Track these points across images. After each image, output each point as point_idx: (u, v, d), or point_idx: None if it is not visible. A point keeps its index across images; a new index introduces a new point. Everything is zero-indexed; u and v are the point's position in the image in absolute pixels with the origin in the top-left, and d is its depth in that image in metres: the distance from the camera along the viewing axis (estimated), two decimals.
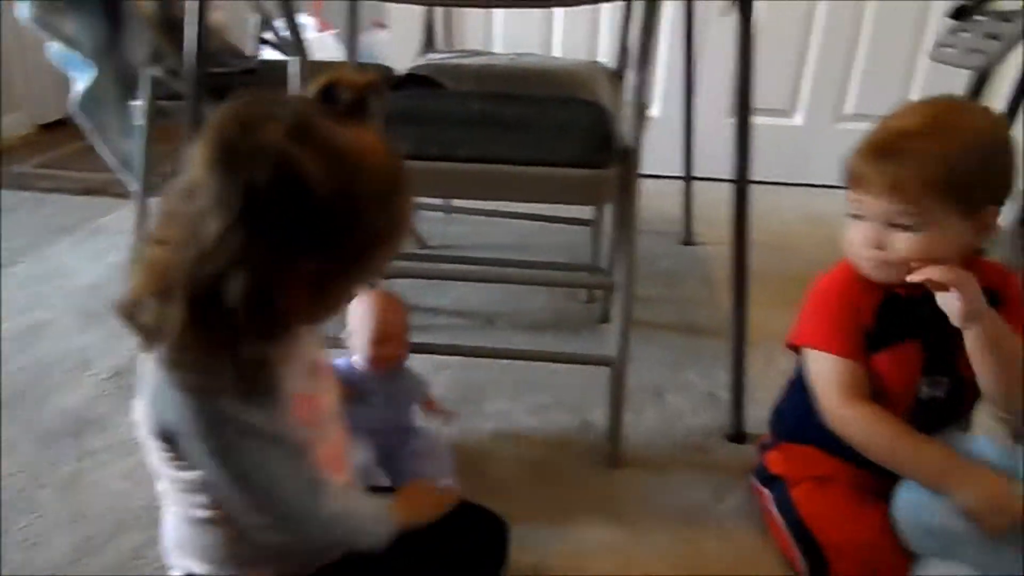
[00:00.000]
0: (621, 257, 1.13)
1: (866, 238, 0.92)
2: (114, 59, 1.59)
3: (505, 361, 1.43)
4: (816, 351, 0.97)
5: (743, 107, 1.13)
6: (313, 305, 0.66)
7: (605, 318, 1.60)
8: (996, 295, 0.95)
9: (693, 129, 1.98)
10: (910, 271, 0.89)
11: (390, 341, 1.05)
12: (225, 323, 0.60)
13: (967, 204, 0.87)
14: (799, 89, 2.50)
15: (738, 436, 1.25)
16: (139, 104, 1.53)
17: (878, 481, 0.96)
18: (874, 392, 0.95)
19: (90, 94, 1.59)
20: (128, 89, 1.55)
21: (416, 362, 1.40)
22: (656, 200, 2.37)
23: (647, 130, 1.10)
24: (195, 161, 0.60)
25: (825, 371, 0.95)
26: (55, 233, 2.00)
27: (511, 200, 1.16)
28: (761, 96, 2.59)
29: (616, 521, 1.07)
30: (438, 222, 2.11)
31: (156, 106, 1.49)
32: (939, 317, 0.91)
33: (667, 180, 2.18)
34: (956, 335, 0.92)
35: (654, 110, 2.57)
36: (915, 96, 2.41)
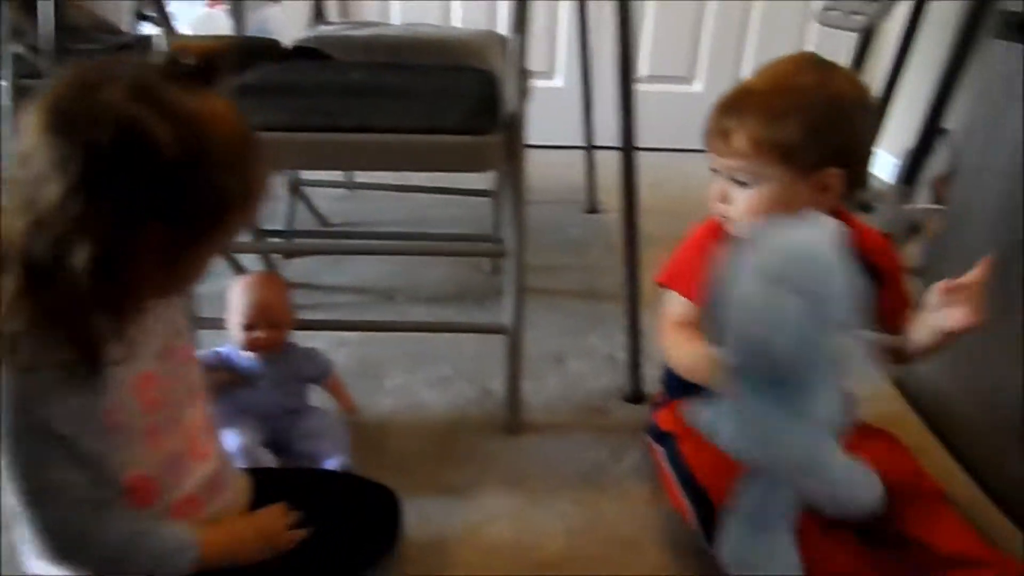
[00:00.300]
0: (512, 224, 1.12)
1: (716, 193, 0.95)
2: None
3: (405, 335, 1.42)
4: (668, 290, 1.01)
5: (625, 75, 1.13)
6: (162, 276, 0.63)
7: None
8: (876, 269, 0.97)
9: (592, 98, 1.99)
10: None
11: (267, 325, 1.03)
12: (65, 295, 0.57)
13: (797, 164, 0.88)
14: (697, 56, 2.54)
15: (636, 397, 1.27)
16: (1, 83, 1.43)
17: None
18: None
19: None
20: None
21: (316, 340, 1.38)
22: (562, 170, 2.38)
23: (532, 96, 1.09)
24: (30, 125, 0.57)
25: (669, 309, 1.01)
26: None
27: (396, 170, 1.14)
28: (661, 64, 2.63)
29: (517, 487, 1.07)
30: (340, 200, 2.07)
31: (19, 85, 1.40)
32: None
33: (572, 150, 2.19)
34: None
35: (558, 81, 2.58)
36: None
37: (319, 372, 1.12)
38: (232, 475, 0.80)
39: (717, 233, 0.99)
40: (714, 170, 0.96)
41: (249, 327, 1.01)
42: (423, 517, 1.00)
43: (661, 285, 1.03)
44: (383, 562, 0.87)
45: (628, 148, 1.17)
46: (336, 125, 1.01)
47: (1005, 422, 1.05)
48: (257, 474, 0.85)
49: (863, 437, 0.98)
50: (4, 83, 1.41)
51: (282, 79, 1.21)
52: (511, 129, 1.08)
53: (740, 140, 0.89)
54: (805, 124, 0.87)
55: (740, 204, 0.93)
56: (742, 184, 0.92)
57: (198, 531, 0.69)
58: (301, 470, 0.99)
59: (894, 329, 0.98)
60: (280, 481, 0.88)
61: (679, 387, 1.09)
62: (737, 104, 0.91)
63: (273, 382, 1.05)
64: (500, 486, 1.07)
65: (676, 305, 1.00)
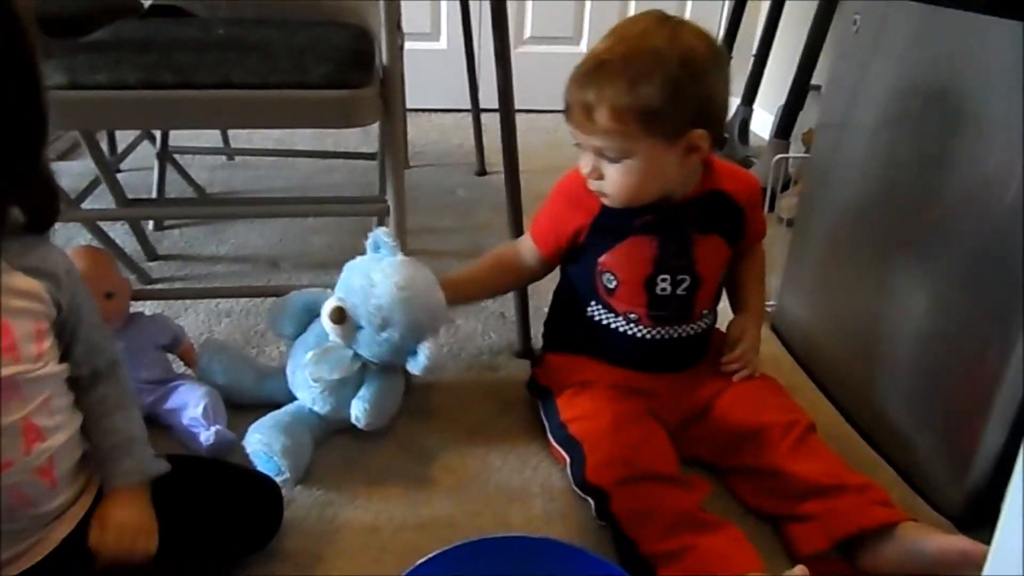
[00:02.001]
0: (391, 180, 1.10)
1: (587, 169, 0.94)
2: None
3: None
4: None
5: (500, 34, 1.13)
6: None
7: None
8: (736, 205, 1.01)
9: (477, 61, 1.97)
10: (635, 197, 0.94)
11: (99, 296, 0.98)
12: None
13: (663, 131, 0.88)
14: (583, 17, 2.55)
15: (526, 352, 1.28)
16: None
17: (636, 376, 1.02)
18: (613, 283, 1.00)
19: None
20: None
21: (197, 314, 1.33)
22: (451, 133, 2.37)
23: (402, 50, 1.07)
24: None
25: (522, 239, 1.10)
26: None
27: (262, 127, 1.10)
28: (548, 25, 2.63)
29: (406, 444, 1.06)
30: (218, 168, 1.99)
31: None
32: (675, 218, 0.96)
33: (461, 113, 2.18)
34: (690, 238, 0.98)
35: (442, 43, 2.55)
36: None
37: (173, 337, 1.09)
38: (63, 491, 0.72)
39: (570, 191, 1.02)
40: (578, 145, 0.94)
41: None
42: (315, 476, 0.99)
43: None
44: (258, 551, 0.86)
45: (507, 108, 1.16)
46: (190, 81, 0.96)
47: (864, 352, 1.11)
48: None
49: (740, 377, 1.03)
50: None
51: (135, 35, 1.14)
52: (385, 84, 1.06)
53: (603, 116, 0.88)
54: (665, 88, 0.85)
55: (614, 180, 0.92)
56: (612, 160, 0.91)
57: None
58: (176, 457, 0.91)
59: (747, 247, 1.09)
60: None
61: (558, 341, 1.12)
62: (593, 76, 0.88)
63: (127, 354, 1.00)
64: (390, 442, 1.06)
65: (526, 242, 1.09)
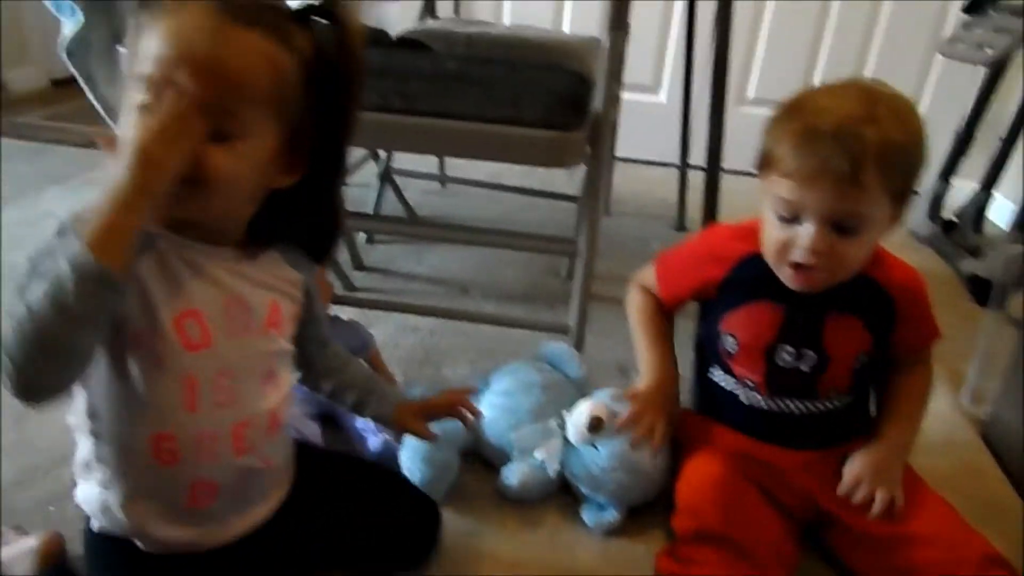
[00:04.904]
0: (585, 223, 1.11)
1: (814, 242, 0.82)
2: (103, 3, 1.58)
3: (473, 329, 1.42)
4: (652, 266, 1.06)
5: (717, 92, 1.11)
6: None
7: None
8: (885, 294, 0.92)
9: (691, 116, 1.95)
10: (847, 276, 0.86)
11: None
12: None
13: (903, 200, 0.84)
14: (809, 81, 2.46)
15: None
16: (126, 51, 1.52)
17: (757, 446, 0.96)
18: (734, 348, 0.95)
19: (77, 39, 1.58)
20: (117, 34, 1.55)
21: (387, 324, 1.41)
22: (656, 186, 2.35)
23: (621, 102, 1.08)
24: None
25: (643, 275, 1.07)
26: (49, 182, 2.01)
27: (474, 158, 1.15)
28: (769, 86, 2.55)
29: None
30: (431, 194, 2.11)
31: None
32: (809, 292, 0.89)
33: (669, 168, 2.16)
34: (822, 314, 0.90)
35: (661, 96, 2.55)
36: (931, 98, 2.37)
37: (361, 344, 1.15)
38: (273, 476, 0.79)
39: (727, 239, 0.97)
40: (789, 218, 0.84)
41: None
42: (465, 499, 1.01)
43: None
44: (415, 570, 0.88)
45: (714, 167, 1.14)
46: (414, 108, 1.02)
47: None
48: (305, 456, 0.85)
49: (918, 502, 0.91)
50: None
51: (377, 62, 1.24)
52: (595, 129, 1.07)
53: (872, 179, 0.79)
54: (916, 155, 0.82)
55: (846, 255, 0.84)
56: (849, 231, 0.82)
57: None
58: (348, 458, 0.97)
59: (899, 359, 0.97)
60: (325, 469, 0.89)
61: (691, 399, 1.09)
62: (849, 133, 0.79)
63: None
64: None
65: (648, 275, 1.06)
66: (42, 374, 0.58)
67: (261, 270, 0.73)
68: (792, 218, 0.84)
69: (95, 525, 0.74)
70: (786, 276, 0.88)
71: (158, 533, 0.72)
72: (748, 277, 0.93)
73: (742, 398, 0.97)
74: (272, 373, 0.74)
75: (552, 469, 0.99)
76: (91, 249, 0.55)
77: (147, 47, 0.61)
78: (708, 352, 1.00)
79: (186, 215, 0.65)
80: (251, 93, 0.62)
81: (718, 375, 0.99)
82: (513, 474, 1.00)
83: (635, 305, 1.07)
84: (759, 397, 0.96)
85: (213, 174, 0.61)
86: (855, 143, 0.78)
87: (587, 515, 0.99)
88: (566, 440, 1.01)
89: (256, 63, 0.62)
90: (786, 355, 0.92)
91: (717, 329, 0.97)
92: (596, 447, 0.98)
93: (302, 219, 0.74)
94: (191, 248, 0.67)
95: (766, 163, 0.86)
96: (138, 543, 0.73)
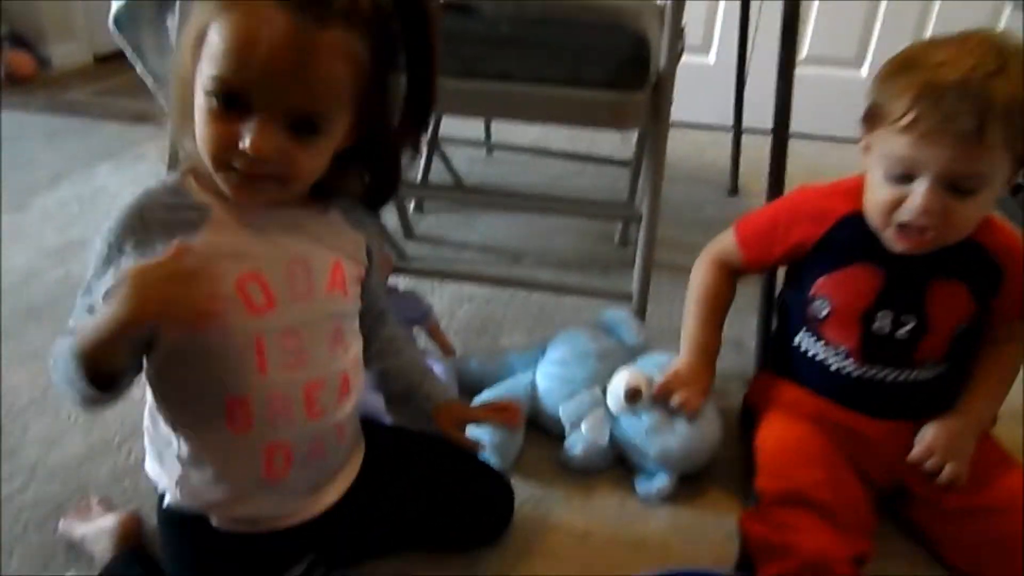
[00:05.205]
0: (648, 187, 1.08)
1: (927, 202, 0.78)
2: None
3: (528, 298, 1.40)
4: (733, 229, 1.01)
5: (787, 54, 1.06)
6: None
7: None
8: (993, 262, 0.87)
9: (747, 78, 1.89)
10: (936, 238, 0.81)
11: None
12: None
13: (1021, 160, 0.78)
14: (868, 39, 2.37)
15: None
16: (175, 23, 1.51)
17: (842, 412, 0.93)
18: (825, 311, 0.91)
19: (126, 11, 1.58)
20: (165, 6, 1.54)
21: (441, 294, 1.40)
22: (706, 150, 2.30)
23: (679, 61, 1.04)
24: None
25: (721, 240, 1.02)
26: (100, 158, 2.03)
27: (536, 121, 1.12)
28: (829, 45, 2.46)
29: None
30: (478, 162, 2.08)
31: None
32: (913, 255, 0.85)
33: (717, 131, 2.11)
34: (926, 279, 0.86)
35: (711, 58, 2.48)
36: None
37: (420, 314, 1.14)
38: (344, 450, 0.78)
39: (807, 202, 0.94)
40: (901, 176, 0.80)
41: None
42: (532, 470, 1.00)
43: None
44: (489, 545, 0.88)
45: (782, 130, 1.10)
46: (475, 71, 1.00)
47: None
48: (373, 432, 0.85)
49: (998, 473, 0.88)
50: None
51: None
52: (658, 89, 1.04)
53: (997, 137, 0.74)
54: None
55: (962, 217, 0.79)
56: (967, 192, 0.78)
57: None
58: (415, 434, 0.93)
59: (992, 331, 0.92)
60: (395, 445, 0.88)
61: (768, 361, 1.07)
62: (982, 90, 0.73)
63: None
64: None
65: (726, 242, 1.01)
66: (95, 404, 0.64)
67: (323, 229, 0.72)
68: (904, 177, 0.80)
69: (167, 501, 0.75)
70: (891, 238, 0.84)
71: (232, 508, 0.72)
72: (846, 238, 0.89)
73: (831, 365, 0.93)
74: (340, 334, 0.73)
75: (599, 441, 0.98)
76: (84, 370, 0.59)
77: (217, 45, 0.59)
78: (795, 316, 0.97)
79: (265, 202, 0.66)
80: (336, 93, 0.62)
81: (807, 342, 0.96)
82: (576, 445, 0.99)
83: (700, 279, 1.03)
84: (850, 364, 0.92)
85: (297, 172, 0.64)
86: (981, 98, 0.73)
87: (639, 484, 0.98)
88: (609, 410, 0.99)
89: (339, 65, 0.61)
90: (884, 321, 0.89)
91: (808, 293, 0.93)
92: (639, 416, 0.97)
93: (364, 172, 0.73)
94: (249, 212, 0.67)
95: (877, 118, 0.81)
96: (212, 519, 0.73)
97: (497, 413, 0.92)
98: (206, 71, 0.60)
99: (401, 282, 1.37)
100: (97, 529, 0.84)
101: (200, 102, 0.62)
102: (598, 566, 0.87)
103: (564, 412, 1.00)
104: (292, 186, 0.65)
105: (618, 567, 0.86)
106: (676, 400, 0.96)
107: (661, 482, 0.96)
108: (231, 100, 0.60)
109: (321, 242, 0.71)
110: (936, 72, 0.75)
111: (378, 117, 0.68)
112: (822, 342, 0.94)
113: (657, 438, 0.96)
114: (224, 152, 0.62)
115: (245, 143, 0.60)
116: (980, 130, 0.73)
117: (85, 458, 1.00)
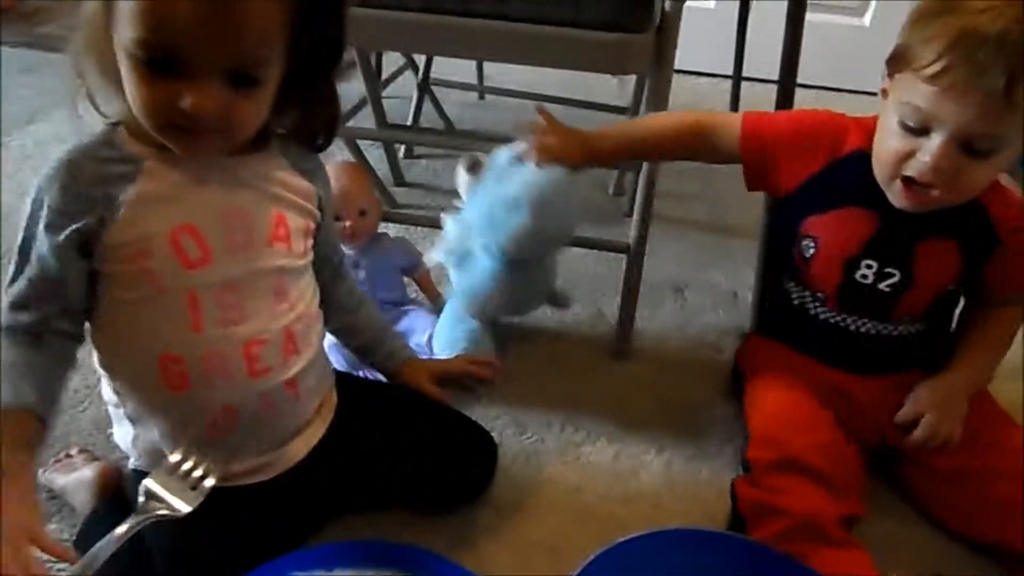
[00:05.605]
0: None
1: (939, 159, 0.74)
2: None
3: None
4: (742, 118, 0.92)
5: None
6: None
7: (631, 211, 1.51)
8: (990, 226, 0.84)
9: (747, 25, 1.83)
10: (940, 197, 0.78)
11: (353, 213, 1.02)
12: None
13: None
14: None
15: None
16: None
17: (830, 372, 0.92)
18: (810, 251, 0.89)
19: None
20: None
21: (433, 240, 1.36)
22: (705, 98, 2.24)
23: (684, 3, 0.99)
24: None
25: (721, 116, 0.95)
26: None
27: (533, 64, 1.07)
28: None
29: (618, 412, 1.03)
30: (469, 107, 2.03)
31: None
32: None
33: (715, 78, 2.06)
34: (919, 235, 0.83)
35: (710, 2, 2.41)
36: None
37: (412, 261, 1.12)
38: (304, 406, 0.75)
39: (823, 125, 0.88)
40: (915, 127, 0.75)
41: (336, 218, 0.97)
42: (520, 426, 0.99)
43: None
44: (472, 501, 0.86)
45: (788, 80, 1.06)
46: (469, 10, 0.95)
47: None
48: (348, 386, 0.83)
49: (995, 434, 0.87)
50: None
51: None
52: (663, 32, 1.00)
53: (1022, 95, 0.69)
54: None
55: (972, 179, 0.76)
56: (981, 153, 0.74)
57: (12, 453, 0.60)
58: (393, 388, 0.90)
59: (991, 297, 0.90)
60: (371, 400, 0.85)
61: (759, 321, 1.06)
62: (1020, 44, 0.68)
63: (369, 272, 1.05)
64: (601, 408, 1.03)
65: (726, 123, 0.92)
66: None
67: (267, 180, 0.68)
68: (919, 129, 0.75)
69: (131, 463, 0.73)
70: (894, 191, 0.81)
71: None
72: (846, 176, 0.86)
73: (809, 309, 0.92)
74: (283, 290, 0.70)
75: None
76: None
77: (131, 2, 0.55)
78: (781, 257, 0.95)
79: (213, 152, 0.64)
80: (269, 39, 0.59)
81: (788, 284, 0.95)
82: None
83: (667, 116, 0.98)
84: (825, 311, 0.91)
85: (242, 123, 0.61)
86: (1018, 54, 0.68)
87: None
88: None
89: (269, 12, 0.58)
90: (867, 271, 0.86)
91: (796, 230, 0.90)
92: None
93: (298, 109, 0.69)
94: (185, 163, 0.64)
95: (902, 61, 0.76)
96: None
97: (473, 366, 0.90)
98: (124, 33, 0.56)
99: (391, 229, 1.34)
100: (77, 480, 0.82)
101: (126, 65, 0.57)
102: (590, 521, 0.86)
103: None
104: (238, 136, 0.62)
105: (610, 522, 0.86)
106: (533, 141, 0.95)
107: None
108: (160, 63, 0.56)
109: (263, 193, 0.68)
110: (975, 19, 0.69)
111: (307, 50, 0.64)
112: (801, 286, 0.92)
113: (510, 185, 0.96)
114: (163, 115, 0.58)
115: (185, 103, 0.56)
116: (1009, 88, 0.68)
117: (68, 405, 0.98)
